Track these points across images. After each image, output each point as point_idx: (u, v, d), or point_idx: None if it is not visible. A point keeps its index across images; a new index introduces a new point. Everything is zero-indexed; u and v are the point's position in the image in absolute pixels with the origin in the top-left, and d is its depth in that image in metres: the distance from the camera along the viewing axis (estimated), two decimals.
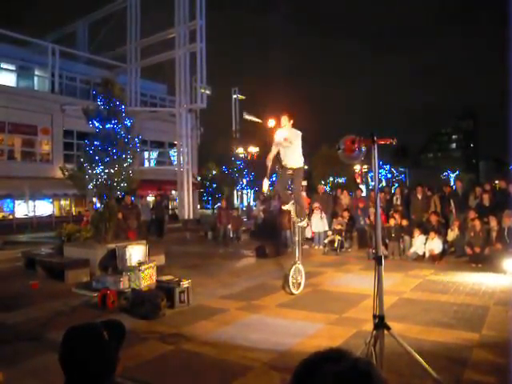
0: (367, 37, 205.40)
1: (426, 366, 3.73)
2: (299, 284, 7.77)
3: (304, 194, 15.05)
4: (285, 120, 7.60)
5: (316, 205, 13.62)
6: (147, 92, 32.70)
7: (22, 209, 25.59)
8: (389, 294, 6.30)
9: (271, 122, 7.66)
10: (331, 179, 43.75)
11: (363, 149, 4.28)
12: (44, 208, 26.79)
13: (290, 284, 7.56)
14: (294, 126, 7.68)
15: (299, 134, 7.56)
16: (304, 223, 8.27)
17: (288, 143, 7.35)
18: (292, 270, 7.63)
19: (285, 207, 8.15)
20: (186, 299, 6.96)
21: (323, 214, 13.49)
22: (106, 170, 10.13)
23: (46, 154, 26.51)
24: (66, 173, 10.46)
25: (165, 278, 7.53)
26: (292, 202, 7.86)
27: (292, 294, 7.52)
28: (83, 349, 1.50)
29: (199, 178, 33.83)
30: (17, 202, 25.50)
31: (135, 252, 8.47)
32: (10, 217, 25.09)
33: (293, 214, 7.96)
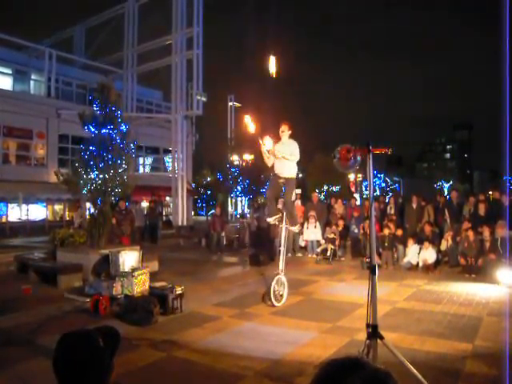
0: (367, 43, 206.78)
1: (420, 376, 3.71)
2: (281, 296, 7.47)
3: (299, 202, 15.08)
4: (285, 128, 7.67)
5: (311, 213, 13.63)
6: (143, 98, 32.71)
7: (16, 213, 25.41)
8: (382, 303, 6.30)
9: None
10: (326, 188, 43.91)
11: (358, 158, 4.29)
12: (37, 212, 26.61)
13: (272, 296, 7.20)
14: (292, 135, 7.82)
15: (296, 145, 7.66)
16: (296, 229, 8.30)
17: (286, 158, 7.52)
18: (274, 281, 7.31)
19: (269, 219, 8.07)
20: (179, 306, 6.92)
21: (317, 223, 13.51)
22: (101, 175, 10.10)
23: (41, 158, 26.38)
24: (61, 177, 10.41)
25: (158, 284, 7.48)
26: (276, 216, 7.87)
27: (273, 306, 7.17)
28: (78, 355, 1.47)
29: (194, 185, 33.81)
30: (10, 206, 25.31)
31: (128, 258, 8.41)
32: (4, 220, 24.91)
33: (278, 225, 7.91)
